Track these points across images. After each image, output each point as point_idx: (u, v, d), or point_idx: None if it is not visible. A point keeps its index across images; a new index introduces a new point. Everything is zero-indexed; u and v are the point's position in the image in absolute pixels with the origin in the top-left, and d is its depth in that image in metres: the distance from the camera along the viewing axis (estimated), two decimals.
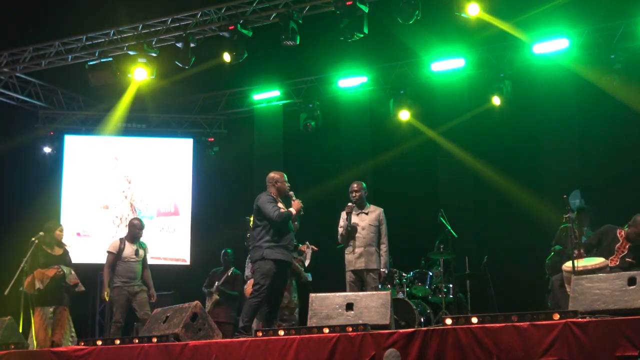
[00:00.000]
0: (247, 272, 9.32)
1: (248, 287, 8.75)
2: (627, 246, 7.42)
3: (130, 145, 13.33)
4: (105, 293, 9.02)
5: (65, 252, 9.09)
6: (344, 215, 8.26)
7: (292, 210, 7.64)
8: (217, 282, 10.65)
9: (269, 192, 7.72)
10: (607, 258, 7.34)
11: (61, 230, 9.15)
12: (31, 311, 8.53)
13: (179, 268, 12.93)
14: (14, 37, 11.76)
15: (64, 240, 9.32)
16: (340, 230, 8.14)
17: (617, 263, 7.38)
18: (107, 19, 11.27)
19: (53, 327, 8.67)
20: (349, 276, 8.09)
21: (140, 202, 13.11)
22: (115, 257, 9.07)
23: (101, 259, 12.69)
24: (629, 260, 7.36)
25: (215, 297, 10.56)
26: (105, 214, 12.97)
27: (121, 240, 9.26)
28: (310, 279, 9.27)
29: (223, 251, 10.88)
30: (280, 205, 7.65)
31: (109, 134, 13.12)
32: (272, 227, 7.55)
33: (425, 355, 5.41)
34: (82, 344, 7.01)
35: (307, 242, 8.12)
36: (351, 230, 8.13)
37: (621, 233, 7.50)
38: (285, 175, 7.88)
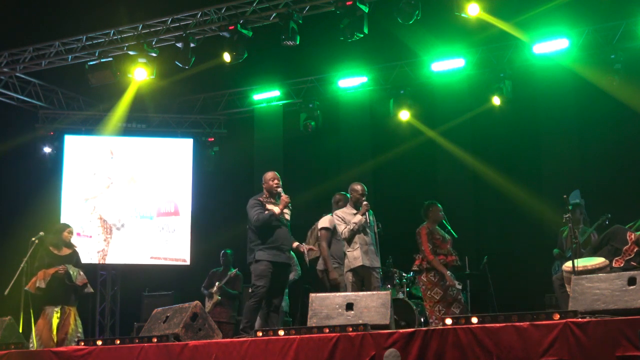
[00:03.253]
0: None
1: None
2: (635, 250, 7.40)
3: (130, 145, 13.33)
4: (335, 275, 8.20)
5: (74, 253, 9.06)
6: (344, 213, 8.20)
7: (275, 209, 7.60)
8: (218, 282, 10.66)
9: (258, 196, 7.77)
10: (612, 258, 7.32)
11: (70, 232, 9.14)
12: (31, 311, 8.51)
13: (179, 268, 12.94)
14: (14, 37, 11.76)
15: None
16: (352, 225, 8.05)
17: (622, 265, 7.36)
18: (107, 19, 11.28)
19: (58, 326, 8.66)
20: (350, 276, 8.06)
21: (140, 202, 13.13)
22: (332, 233, 8.37)
23: (101, 259, 12.83)
24: (634, 264, 7.34)
25: (217, 297, 10.57)
26: (108, 215, 12.98)
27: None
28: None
29: (222, 252, 10.88)
30: (269, 206, 7.62)
31: (109, 134, 13.13)
32: (259, 230, 7.59)
33: (425, 355, 5.41)
34: (82, 344, 7.01)
35: (304, 244, 8.05)
36: (360, 228, 8.08)
37: (631, 236, 7.48)
38: (277, 174, 7.85)
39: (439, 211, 8.46)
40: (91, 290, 9.13)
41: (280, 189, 7.75)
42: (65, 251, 8.96)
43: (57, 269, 8.71)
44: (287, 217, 7.82)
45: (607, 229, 7.82)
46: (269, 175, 7.85)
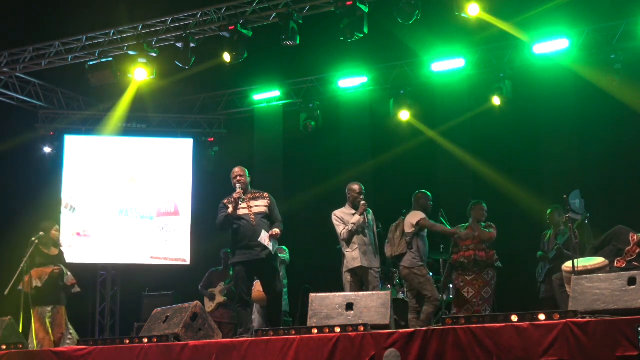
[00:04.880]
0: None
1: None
2: (637, 251, 7.42)
3: (130, 145, 13.32)
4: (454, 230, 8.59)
5: (61, 252, 9.04)
6: (343, 214, 8.20)
7: (230, 209, 7.47)
8: (223, 283, 10.63)
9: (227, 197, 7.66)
10: (614, 259, 7.33)
11: (57, 230, 9.10)
12: (31, 311, 8.51)
13: (179, 268, 12.93)
14: (14, 37, 11.76)
15: (60, 240, 9.29)
16: (351, 226, 8.03)
17: (624, 265, 7.38)
18: (107, 19, 11.27)
19: (52, 326, 8.65)
20: (348, 276, 8.06)
21: (139, 202, 13.13)
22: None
23: (101, 259, 12.84)
24: (636, 264, 7.36)
25: (222, 298, 10.55)
26: (108, 214, 12.97)
27: None
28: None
29: (223, 251, 10.87)
30: (230, 207, 7.47)
31: (109, 134, 13.13)
32: (227, 234, 7.57)
33: (425, 355, 5.41)
34: (82, 344, 7.01)
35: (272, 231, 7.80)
36: (358, 228, 8.07)
37: (633, 237, 7.49)
38: (241, 169, 7.70)
39: (481, 210, 8.80)
40: (78, 290, 9.07)
41: (237, 185, 7.58)
42: (54, 251, 8.93)
43: (53, 269, 8.70)
44: (261, 209, 7.56)
45: (609, 230, 7.83)
46: (232, 173, 7.72)
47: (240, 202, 7.50)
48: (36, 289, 8.50)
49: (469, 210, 8.78)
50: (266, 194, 7.70)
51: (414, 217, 8.52)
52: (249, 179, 7.72)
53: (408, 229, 8.48)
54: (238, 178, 7.63)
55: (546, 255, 9.34)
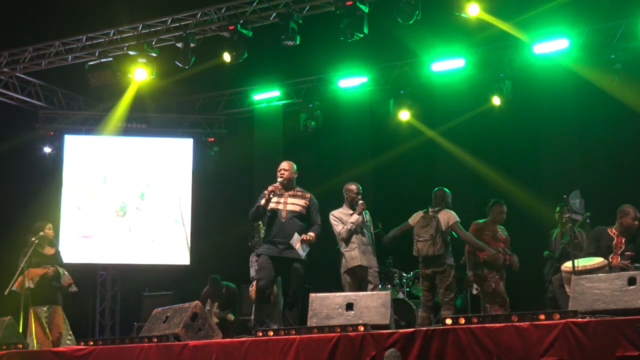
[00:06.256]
0: (252, 273, 9.12)
1: (252, 289, 8.53)
2: (623, 241, 7.48)
3: (130, 146, 13.32)
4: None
5: (57, 252, 9.01)
6: (341, 214, 8.19)
7: (262, 201, 7.39)
8: (217, 304, 10.64)
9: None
10: (608, 257, 7.38)
11: (50, 229, 9.04)
12: (31, 311, 8.51)
13: (179, 268, 12.93)
14: (14, 37, 11.76)
15: (56, 240, 9.29)
16: (350, 225, 8.01)
17: (619, 260, 7.42)
18: (107, 19, 11.28)
19: (49, 326, 8.64)
20: (347, 277, 8.05)
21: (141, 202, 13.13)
22: None
23: (101, 259, 12.84)
24: (629, 253, 7.41)
25: (215, 319, 10.59)
26: (108, 214, 12.97)
27: None
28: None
29: (210, 277, 10.79)
30: (264, 199, 7.40)
31: (109, 134, 13.13)
32: (261, 223, 7.54)
33: (425, 355, 5.41)
34: (82, 344, 7.01)
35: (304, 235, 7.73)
36: (357, 227, 8.06)
37: (612, 231, 7.56)
38: (289, 164, 7.68)
39: (501, 212, 8.62)
40: (75, 289, 9.04)
41: (279, 179, 7.51)
42: (50, 250, 8.91)
43: (46, 270, 8.67)
44: (295, 208, 7.42)
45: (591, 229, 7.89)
46: (279, 166, 7.67)
47: (274, 195, 7.39)
48: (29, 289, 8.47)
49: (488, 210, 8.64)
50: (308, 195, 7.58)
51: (451, 218, 8.39)
52: (295, 175, 7.62)
53: (446, 228, 8.35)
54: (282, 172, 7.56)
55: (552, 255, 9.33)
